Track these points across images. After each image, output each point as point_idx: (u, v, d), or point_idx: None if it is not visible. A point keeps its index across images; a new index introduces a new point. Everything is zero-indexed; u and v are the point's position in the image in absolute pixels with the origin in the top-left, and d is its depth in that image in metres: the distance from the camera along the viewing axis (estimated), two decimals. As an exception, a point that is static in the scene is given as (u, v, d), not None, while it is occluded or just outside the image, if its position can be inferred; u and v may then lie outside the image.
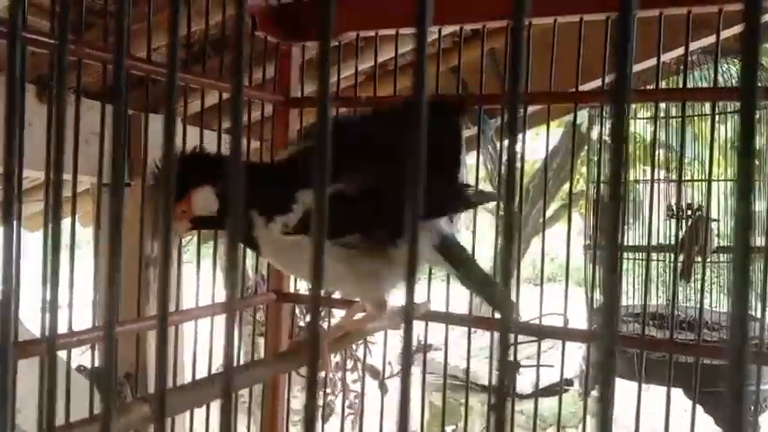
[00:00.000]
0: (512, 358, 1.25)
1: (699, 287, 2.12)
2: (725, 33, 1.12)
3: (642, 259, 2.19)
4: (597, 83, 1.12)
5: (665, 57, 1.62)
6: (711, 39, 1.60)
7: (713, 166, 2.43)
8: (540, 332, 1.06)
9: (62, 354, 0.92)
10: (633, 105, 2.28)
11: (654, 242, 2.21)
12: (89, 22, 1.17)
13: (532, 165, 5.61)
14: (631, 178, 2.52)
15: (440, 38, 1.16)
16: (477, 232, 1.15)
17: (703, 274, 1.01)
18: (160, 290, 0.25)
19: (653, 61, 1.04)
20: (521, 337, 1.23)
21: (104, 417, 0.27)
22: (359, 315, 1.03)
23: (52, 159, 0.29)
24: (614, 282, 0.22)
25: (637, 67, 1.06)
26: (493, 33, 1.41)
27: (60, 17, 0.29)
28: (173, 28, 0.28)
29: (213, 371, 1.08)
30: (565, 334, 1.04)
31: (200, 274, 1.09)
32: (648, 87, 1.36)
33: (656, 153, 1.43)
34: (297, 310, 1.36)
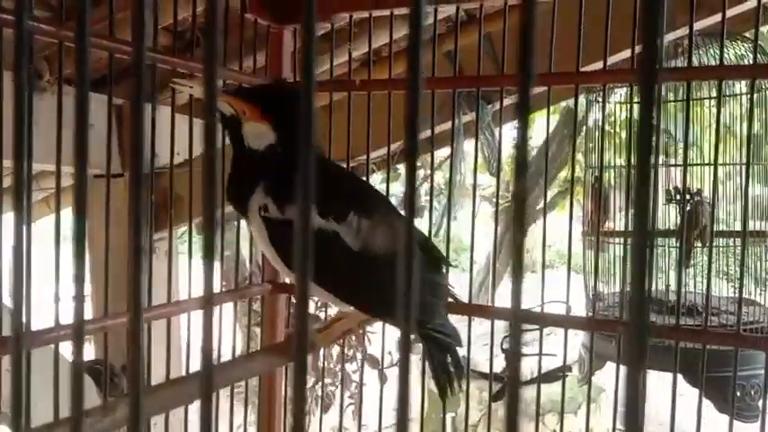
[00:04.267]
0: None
1: (698, 272, 2.11)
2: (728, 14, 1.09)
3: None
4: (597, 66, 1.09)
5: (666, 39, 1.59)
6: (710, 20, 1.58)
7: (709, 150, 2.41)
8: (542, 320, 1.04)
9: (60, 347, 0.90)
10: (625, 90, 2.26)
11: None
12: (71, 8, 1.14)
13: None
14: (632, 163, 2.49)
15: (435, 22, 1.13)
16: (477, 223, 1.13)
17: (710, 258, 0.99)
18: (132, 293, 0.23)
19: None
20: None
21: (75, 419, 0.25)
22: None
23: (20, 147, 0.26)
24: (643, 270, 0.20)
25: (638, 49, 1.03)
26: (489, 17, 1.38)
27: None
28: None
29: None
30: (567, 322, 1.02)
31: (192, 266, 1.07)
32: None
33: (658, 137, 1.41)
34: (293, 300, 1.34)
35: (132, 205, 0.24)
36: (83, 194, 0.24)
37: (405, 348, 0.27)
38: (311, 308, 1.89)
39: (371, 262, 0.87)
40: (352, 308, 0.97)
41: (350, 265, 0.87)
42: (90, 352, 1.65)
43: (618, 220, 2.34)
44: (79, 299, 0.26)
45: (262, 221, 0.87)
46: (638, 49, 1.00)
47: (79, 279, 0.26)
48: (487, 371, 1.21)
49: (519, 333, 0.26)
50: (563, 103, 3.96)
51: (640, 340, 0.24)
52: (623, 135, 2.69)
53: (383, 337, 1.27)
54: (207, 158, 0.24)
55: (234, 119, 0.88)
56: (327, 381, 2.29)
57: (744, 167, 1.93)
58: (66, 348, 0.95)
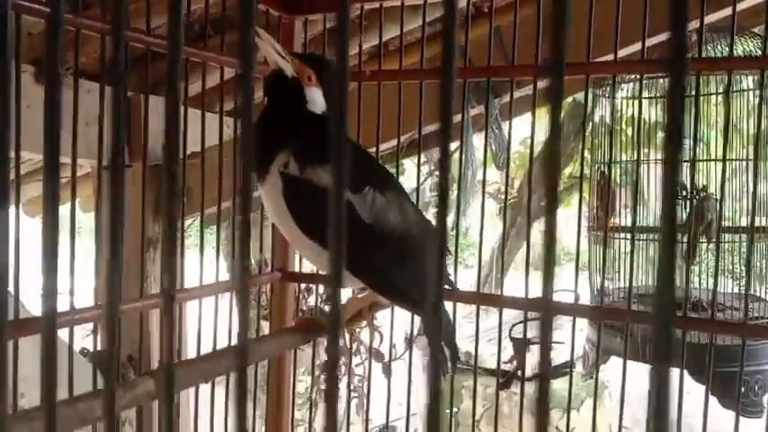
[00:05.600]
0: (521, 335, 1.24)
1: (703, 268, 2.11)
2: (737, 8, 1.09)
3: (652, 240, 2.18)
4: (607, 58, 1.09)
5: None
6: (720, 14, 1.58)
7: (715, 146, 2.40)
8: (551, 308, 1.05)
9: (64, 335, 0.91)
10: (631, 85, 2.26)
11: (657, 223, 2.19)
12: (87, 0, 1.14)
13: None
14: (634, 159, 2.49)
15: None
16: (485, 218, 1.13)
17: (717, 254, 1.00)
18: (165, 264, 0.24)
19: (662, 37, 1.01)
20: (528, 314, 1.22)
21: (108, 392, 0.26)
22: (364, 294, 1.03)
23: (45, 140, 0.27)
24: (671, 264, 0.20)
25: (648, 42, 1.03)
26: (498, 10, 1.38)
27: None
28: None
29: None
30: (575, 310, 1.03)
31: (203, 257, 1.08)
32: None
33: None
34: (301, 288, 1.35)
35: (167, 192, 0.25)
36: (120, 191, 0.25)
37: (434, 345, 0.27)
38: (318, 300, 1.90)
39: (380, 237, 0.88)
40: (361, 291, 0.98)
41: (358, 237, 0.88)
42: (89, 342, 1.66)
43: (623, 216, 2.34)
44: (114, 285, 0.27)
45: (279, 177, 0.88)
46: (649, 42, 1.00)
47: (115, 269, 0.26)
48: (489, 366, 1.21)
49: (549, 323, 0.26)
50: (569, 98, 3.95)
51: (666, 336, 0.24)
52: (629, 131, 2.69)
53: (391, 330, 1.27)
54: (244, 137, 0.24)
55: (295, 80, 0.90)
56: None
57: (751, 164, 1.93)
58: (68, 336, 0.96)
